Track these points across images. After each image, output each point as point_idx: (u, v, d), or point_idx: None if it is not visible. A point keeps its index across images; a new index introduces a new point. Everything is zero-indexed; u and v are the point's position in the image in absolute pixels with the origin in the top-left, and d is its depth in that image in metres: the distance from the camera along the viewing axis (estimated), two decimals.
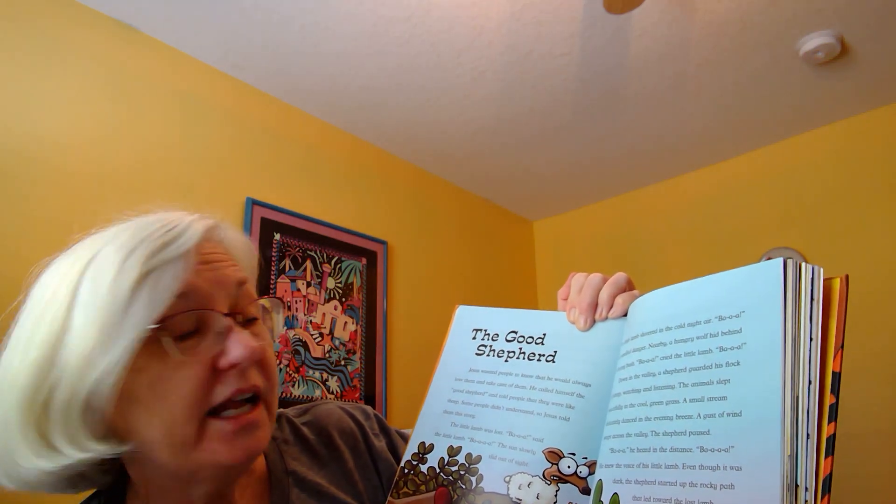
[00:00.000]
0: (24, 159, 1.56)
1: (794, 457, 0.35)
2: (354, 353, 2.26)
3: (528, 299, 3.33)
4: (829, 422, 0.35)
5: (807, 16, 1.91)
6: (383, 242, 2.50)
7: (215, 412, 0.50)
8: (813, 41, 2.00)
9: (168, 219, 0.53)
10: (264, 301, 0.57)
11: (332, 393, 2.15)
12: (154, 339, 0.47)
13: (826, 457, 0.34)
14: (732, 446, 0.38)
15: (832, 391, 0.35)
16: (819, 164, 2.54)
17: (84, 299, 0.47)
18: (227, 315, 0.51)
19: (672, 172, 2.95)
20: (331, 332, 2.20)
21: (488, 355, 0.62)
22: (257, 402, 0.52)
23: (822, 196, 2.51)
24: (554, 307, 0.62)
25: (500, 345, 0.62)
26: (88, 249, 0.51)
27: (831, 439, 0.34)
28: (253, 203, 2.05)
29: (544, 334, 0.60)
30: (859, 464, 2.16)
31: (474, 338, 0.65)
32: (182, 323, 0.49)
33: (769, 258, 2.07)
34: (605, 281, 0.58)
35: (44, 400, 0.46)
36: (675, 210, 2.95)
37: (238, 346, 0.50)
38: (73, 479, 0.51)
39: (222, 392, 0.50)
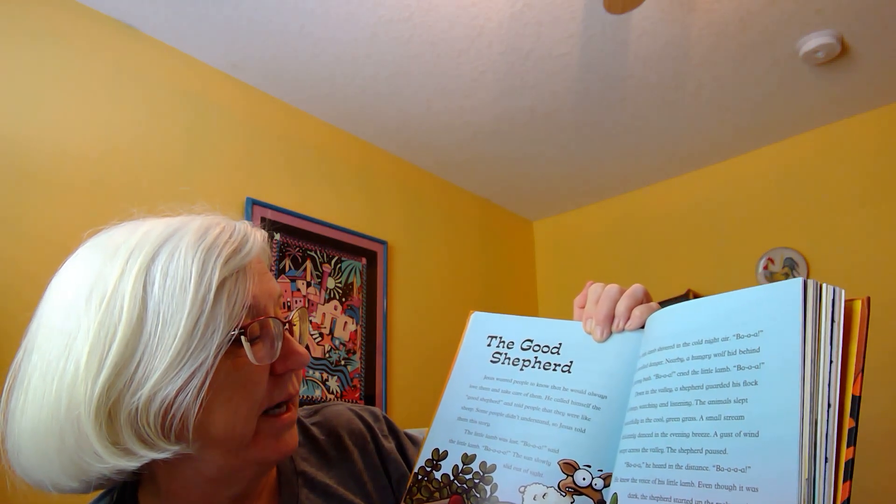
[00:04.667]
0: (25, 159, 1.56)
1: (812, 480, 0.35)
2: (354, 353, 2.26)
3: (528, 299, 3.33)
4: (848, 446, 0.35)
5: (807, 16, 1.91)
6: (383, 242, 2.50)
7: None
8: (813, 41, 2.00)
9: (222, 224, 0.53)
10: (296, 311, 0.59)
11: (332, 393, 2.15)
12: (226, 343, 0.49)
13: (844, 481, 0.34)
14: (749, 466, 0.38)
15: (852, 415, 0.35)
16: (819, 164, 2.55)
17: (160, 299, 0.46)
18: (284, 322, 0.54)
19: (672, 172, 2.95)
20: (331, 332, 2.20)
21: (503, 363, 0.62)
22: (289, 403, 0.56)
23: (822, 196, 2.51)
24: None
25: (515, 353, 0.62)
26: (143, 243, 0.49)
27: (850, 464, 0.34)
28: (253, 203, 2.04)
29: (560, 344, 0.60)
30: (860, 465, 2.17)
31: (489, 345, 0.64)
32: (252, 330, 0.51)
33: (769, 259, 2.05)
34: (622, 292, 0.58)
35: (116, 399, 0.45)
36: (675, 210, 2.95)
37: (297, 353, 0.54)
38: (102, 479, 0.51)
39: (278, 395, 0.53)
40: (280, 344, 0.52)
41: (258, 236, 0.55)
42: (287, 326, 0.55)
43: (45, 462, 0.47)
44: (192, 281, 0.47)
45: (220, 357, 0.47)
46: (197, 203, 0.59)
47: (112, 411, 0.46)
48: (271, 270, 2.05)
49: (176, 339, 0.45)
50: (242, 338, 0.49)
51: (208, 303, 0.47)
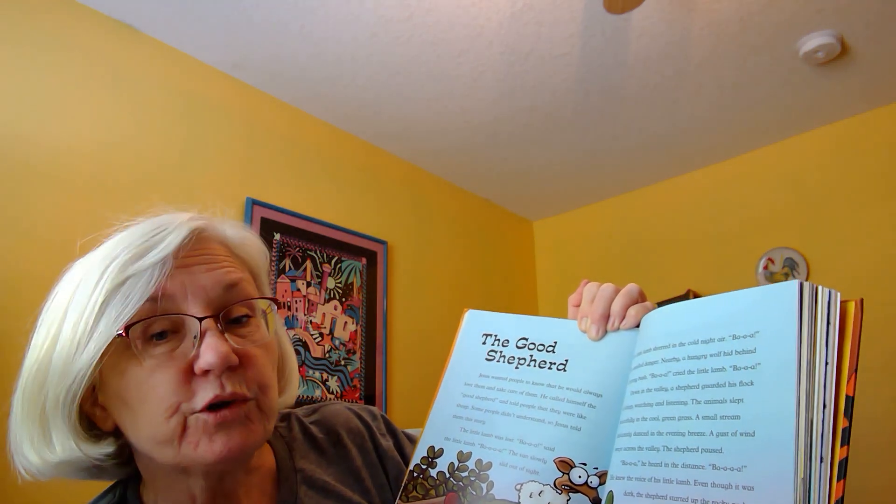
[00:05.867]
0: (25, 159, 1.56)
1: (808, 479, 0.35)
2: (354, 353, 2.27)
3: (528, 299, 3.33)
4: (842, 445, 0.35)
5: (807, 16, 1.91)
6: (383, 242, 2.50)
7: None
8: (813, 41, 2.00)
9: (159, 223, 0.54)
10: (257, 302, 0.57)
11: (332, 393, 2.15)
12: (130, 343, 0.50)
13: (838, 480, 0.34)
14: (745, 466, 0.38)
15: (845, 415, 0.36)
16: (819, 164, 2.55)
17: (72, 306, 0.51)
18: (206, 318, 0.51)
19: (672, 172, 2.96)
20: (331, 332, 2.20)
21: (498, 361, 0.62)
22: (241, 402, 0.52)
23: (822, 196, 2.51)
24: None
25: (510, 351, 0.62)
26: (92, 256, 0.54)
27: (844, 463, 0.35)
28: (253, 203, 2.05)
29: (555, 342, 0.60)
30: (859, 465, 2.17)
31: (484, 343, 0.64)
32: (153, 326, 0.51)
33: (769, 259, 2.06)
34: (617, 291, 0.58)
35: (44, 399, 0.50)
36: (675, 210, 2.95)
37: (208, 351, 0.49)
38: (91, 470, 0.55)
39: (202, 398, 0.50)
40: (199, 341, 0.50)
41: (183, 230, 0.53)
42: (225, 320, 0.53)
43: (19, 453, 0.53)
44: (92, 287, 0.50)
45: (119, 354, 0.50)
46: (157, 201, 0.60)
47: (41, 409, 0.51)
48: (271, 269, 2.05)
49: (71, 342, 0.49)
50: (119, 337, 0.49)
51: (98, 304, 0.49)
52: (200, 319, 0.51)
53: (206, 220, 0.57)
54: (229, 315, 0.54)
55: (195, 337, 0.50)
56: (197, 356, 0.50)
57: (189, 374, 0.50)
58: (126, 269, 0.50)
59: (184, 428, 0.49)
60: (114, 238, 0.54)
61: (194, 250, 0.54)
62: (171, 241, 0.52)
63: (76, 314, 0.50)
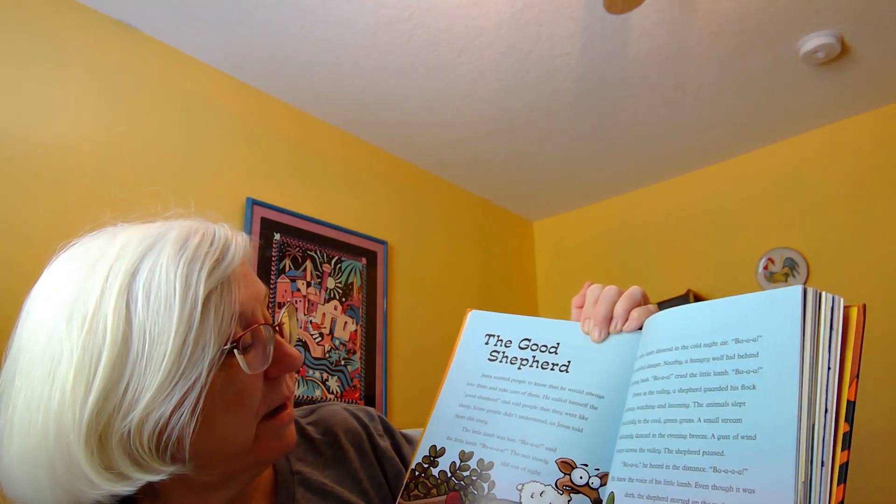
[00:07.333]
0: (24, 159, 1.56)
1: (808, 483, 0.35)
2: (354, 353, 2.27)
3: (528, 299, 3.33)
4: (843, 450, 0.35)
5: (807, 16, 1.91)
6: (383, 242, 2.50)
7: None
8: (813, 41, 2.00)
9: (201, 231, 0.51)
10: (284, 310, 0.59)
11: (332, 393, 2.15)
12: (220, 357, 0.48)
13: (839, 484, 0.34)
14: (746, 469, 0.38)
15: (846, 420, 0.36)
16: (819, 164, 2.55)
17: (144, 317, 0.45)
18: (274, 325, 0.54)
19: (672, 172, 2.96)
20: (331, 332, 2.20)
21: (501, 361, 0.62)
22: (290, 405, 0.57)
23: (822, 196, 2.51)
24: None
25: (513, 351, 0.62)
26: (122, 258, 0.48)
27: (844, 467, 0.35)
28: (253, 203, 2.05)
29: (558, 343, 0.60)
30: (857, 466, 2.17)
31: (487, 343, 0.64)
32: (244, 340, 0.50)
33: (769, 259, 2.05)
34: (620, 294, 0.58)
35: (106, 423, 0.44)
36: (675, 210, 2.95)
37: (289, 356, 0.54)
38: None
39: (274, 399, 0.53)
40: (272, 348, 0.52)
41: (240, 241, 0.53)
42: (277, 329, 0.55)
43: (36, 492, 0.46)
44: (177, 297, 0.45)
45: (213, 372, 0.46)
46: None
47: (103, 436, 0.44)
48: (271, 269, 2.06)
49: (165, 359, 0.44)
50: (235, 351, 0.48)
51: (196, 319, 0.45)
52: (272, 327, 0.53)
53: (242, 232, 0.57)
54: (277, 322, 0.56)
55: (266, 345, 0.52)
56: (277, 360, 0.52)
57: (264, 379, 0.52)
58: (209, 281, 0.47)
59: (257, 434, 0.52)
60: (139, 238, 0.49)
61: (240, 262, 0.54)
62: (237, 252, 0.52)
63: (160, 330, 0.44)
